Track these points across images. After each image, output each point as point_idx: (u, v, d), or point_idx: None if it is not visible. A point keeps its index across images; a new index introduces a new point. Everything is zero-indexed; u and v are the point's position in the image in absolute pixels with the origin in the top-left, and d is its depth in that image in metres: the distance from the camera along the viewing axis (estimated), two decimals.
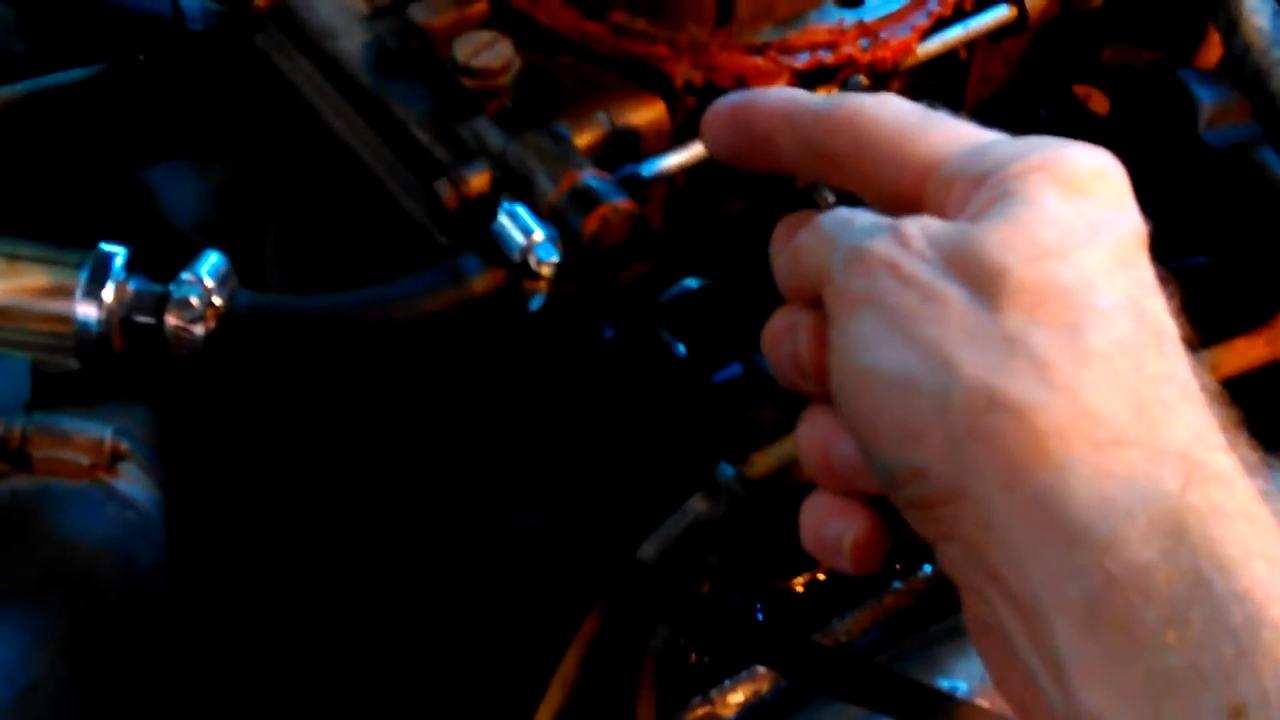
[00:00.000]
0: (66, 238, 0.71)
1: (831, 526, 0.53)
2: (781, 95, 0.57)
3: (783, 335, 0.54)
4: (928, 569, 0.82)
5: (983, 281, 0.46)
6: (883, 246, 0.49)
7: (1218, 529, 0.42)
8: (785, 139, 0.55)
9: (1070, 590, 0.43)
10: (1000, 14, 0.81)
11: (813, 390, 0.54)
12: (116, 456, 0.70)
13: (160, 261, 0.66)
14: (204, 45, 0.95)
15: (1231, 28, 0.78)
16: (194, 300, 0.62)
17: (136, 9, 0.93)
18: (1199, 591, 0.41)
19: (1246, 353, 0.89)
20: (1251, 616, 0.41)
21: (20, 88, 0.96)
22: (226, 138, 0.95)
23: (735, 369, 0.77)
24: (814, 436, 0.53)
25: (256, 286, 0.72)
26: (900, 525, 0.52)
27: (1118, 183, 0.50)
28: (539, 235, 0.64)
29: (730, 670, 0.76)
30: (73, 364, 0.66)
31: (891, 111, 0.53)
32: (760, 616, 0.79)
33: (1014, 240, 0.47)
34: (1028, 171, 0.49)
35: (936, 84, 0.88)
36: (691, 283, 0.76)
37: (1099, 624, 0.42)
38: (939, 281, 0.47)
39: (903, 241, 0.49)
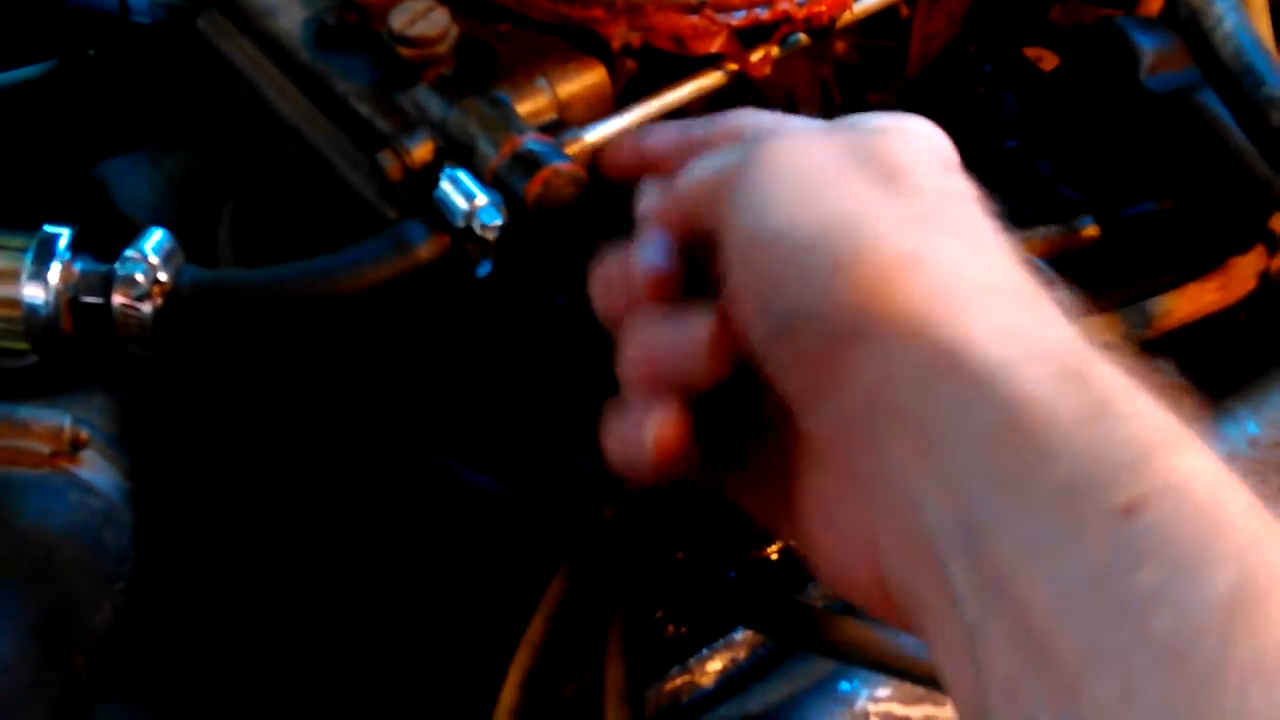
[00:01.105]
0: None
1: (632, 422, 0.54)
2: (673, 127, 0.65)
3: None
4: None
5: (889, 176, 0.51)
6: (800, 134, 0.54)
7: (1111, 371, 0.45)
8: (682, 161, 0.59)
9: (974, 418, 0.44)
10: None
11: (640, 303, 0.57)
12: (77, 444, 0.70)
13: (117, 253, 0.67)
14: (152, 38, 0.96)
15: None
16: (139, 277, 0.63)
17: (84, 5, 0.94)
18: (1098, 411, 0.43)
19: (1199, 298, 0.90)
20: (1145, 435, 0.42)
21: None
22: (179, 129, 0.95)
23: None
24: (642, 337, 0.55)
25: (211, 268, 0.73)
26: (710, 427, 0.54)
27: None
28: (482, 199, 0.65)
29: (708, 639, 0.77)
30: (29, 356, 0.67)
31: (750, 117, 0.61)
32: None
33: (909, 150, 0.53)
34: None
35: (879, 43, 0.89)
36: None
37: (1000, 446, 0.43)
38: (850, 167, 0.52)
39: (816, 134, 0.54)
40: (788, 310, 0.49)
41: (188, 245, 0.88)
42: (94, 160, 0.94)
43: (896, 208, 0.50)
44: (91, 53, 0.97)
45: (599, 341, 0.75)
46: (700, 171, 0.56)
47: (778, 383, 0.51)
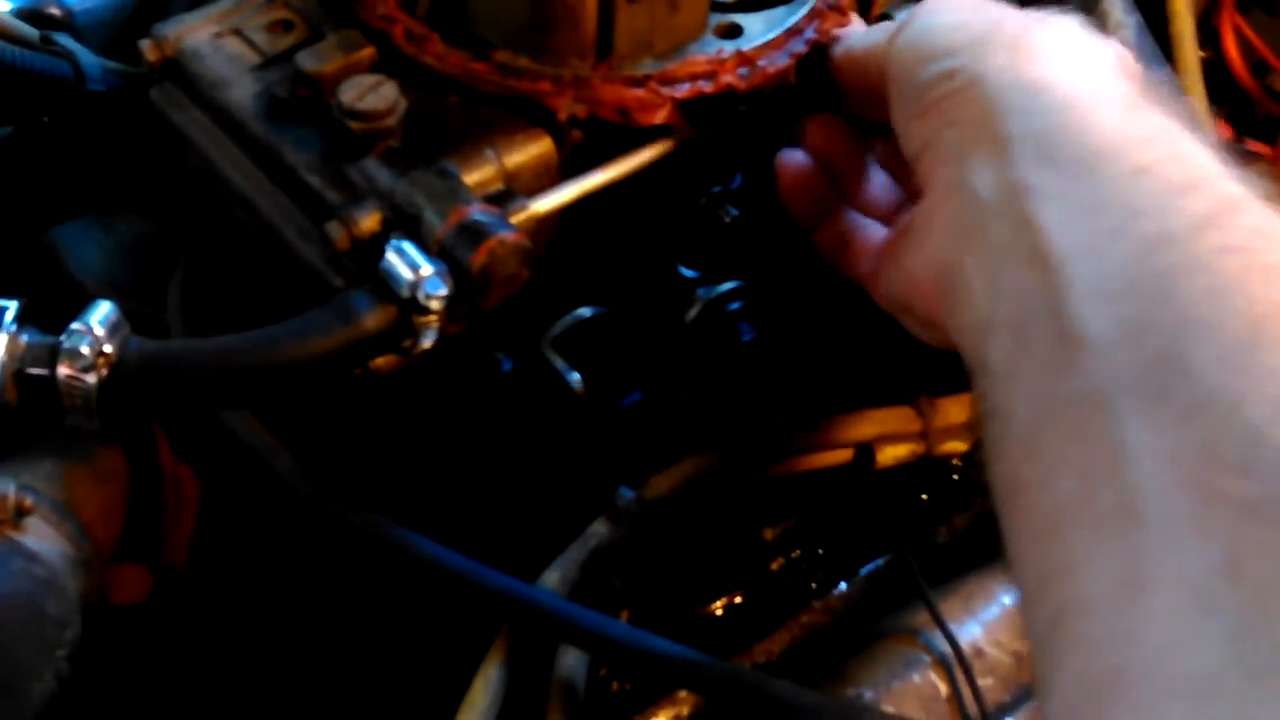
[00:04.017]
0: None
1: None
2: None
3: None
4: (843, 586, 0.84)
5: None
6: None
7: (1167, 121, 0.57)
8: None
9: (1037, 120, 0.57)
10: None
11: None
12: (21, 511, 0.70)
13: (67, 319, 0.67)
14: (106, 105, 0.96)
15: None
16: (84, 350, 0.63)
17: (39, 72, 0.94)
18: (1139, 109, 0.57)
19: None
20: (1168, 126, 0.56)
21: None
22: (132, 194, 0.95)
23: (634, 396, 0.78)
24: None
25: (161, 337, 0.73)
26: None
27: None
28: (426, 270, 0.65)
29: (652, 697, 0.77)
30: None
31: None
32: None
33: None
34: None
35: None
36: (585, 312, 0.77)
37: (1053, 133, 0.56)
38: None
39: None
40: (936, 71, 0.63)
41: (139, 310, 0.89)
42: (47, 225, 0.94)
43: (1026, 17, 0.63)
44: (45, 119, 0.98)
45: (542, 407, 0.76)
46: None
47: (905, 131, 0.66)
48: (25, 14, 1.02)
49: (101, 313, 0.64)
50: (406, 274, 0.66)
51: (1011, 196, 0.56)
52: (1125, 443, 0.47)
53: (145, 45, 0.80)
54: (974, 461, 0.86)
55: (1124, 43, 0.80)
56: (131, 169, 0.95)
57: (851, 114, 0.75)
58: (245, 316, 0.82)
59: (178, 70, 0.80)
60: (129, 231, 0.94)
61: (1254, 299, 0.47)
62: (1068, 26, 0.63)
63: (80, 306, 0.67)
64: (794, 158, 0.75)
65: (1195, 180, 0.52)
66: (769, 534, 0.83)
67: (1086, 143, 0.54)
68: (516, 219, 0.70)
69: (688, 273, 0.77)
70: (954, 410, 0.82)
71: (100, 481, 0.77)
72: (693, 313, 0.76)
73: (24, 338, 0.64)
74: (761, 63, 0.76)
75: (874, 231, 0.75)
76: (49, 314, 0.68)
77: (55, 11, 1.05)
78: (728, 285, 0.76)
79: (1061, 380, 0.50)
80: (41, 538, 0.70)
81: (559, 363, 0.74)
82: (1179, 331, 0.47)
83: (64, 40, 0.98)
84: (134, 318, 0.87)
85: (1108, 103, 0.57)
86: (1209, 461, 0.44)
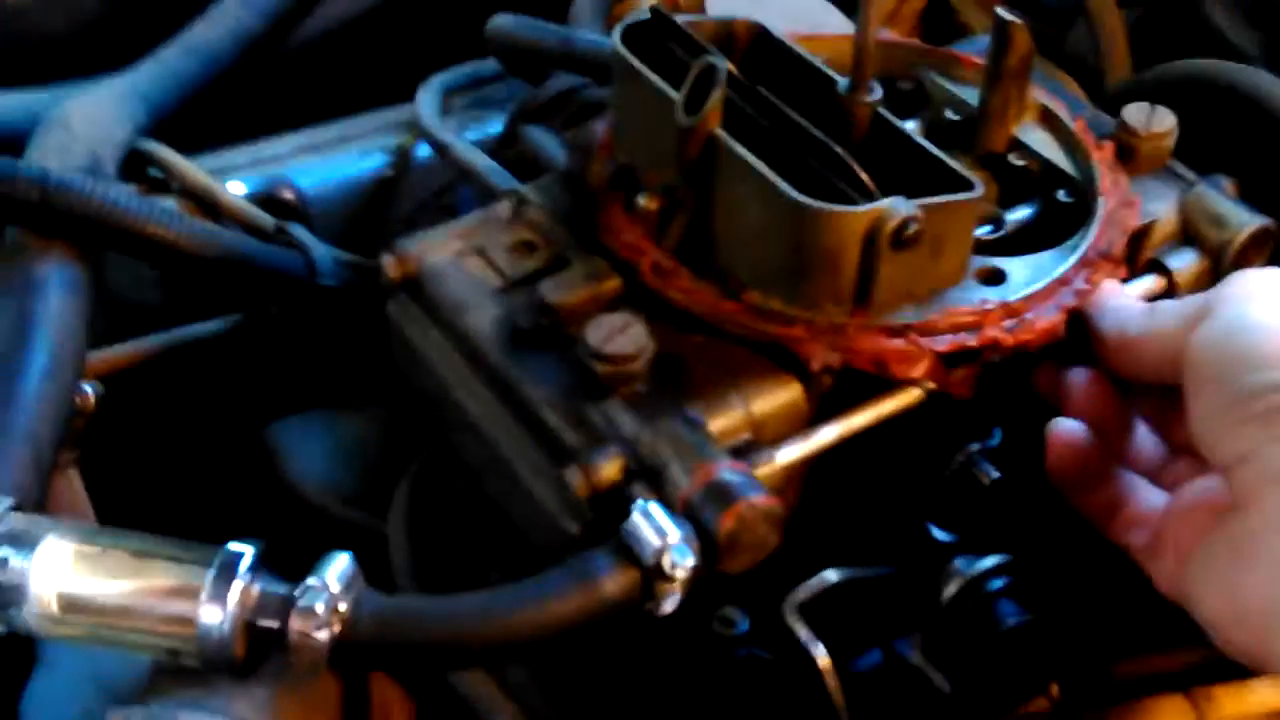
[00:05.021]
0: (195, 503, 0.70)
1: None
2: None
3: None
4: None
5: None
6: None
7: None
8: None
9: None
10: (1147, 284, 0.78)
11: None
12: None
13: (284, 526, 0.66)
14: (336, 300, 0.96)
15: None
16: (319, 607, 0.60)
17: (272, 266, 0.94)
18: None
19: None
20: None
21: (155, 340, 0.97)
22: (357, 392, 0.95)
23: (874, 656, 0.73)
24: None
25: (381, 563, 0.71)
26: None
27: None
28: (674, 536, 0.62)
29: None
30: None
31: None
32: None
33: None
34: None
35: None
36: (831, 575, 0.72)
37: None
38: None
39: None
40: (1249, 382, 0.60)
41: (356, 520, 0.87)
42: (269, 419, 0.94)
43: None
44: (274, 311, 0.98)
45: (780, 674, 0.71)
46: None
47: (1217, 448, 0.62)
48: (260, 199, 1.03)
49: (338, 567, 0.62)
50: (653, 540, 0.62)
51: None
52: None
53: (388, 261, 0.79)
54: None
55: None
56: (358, 366, 0.94)
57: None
58: (470, 542, 0.79)
59: (417, 288, 0.78)
60: (351, 432, 0.93)
61: None
62: None
63: (297, 510, 0.65)
64: (1066, 427, 0.70)
65: None
66: None
67: None
68: (763, 472, 0.66)
69: (942, 536, 0.72)
70: (1231, 703, 0.75)
71: (311, 711, 0.74)
72: (950, 590, 0.70)
73: (258, 586, 0.62)
74: (1029, 316, 0.71)
75: (1146, 495, 0.70)
76: (265, 513, 0.66)
77: (289, 195, 1.06)
78: (989, 561, 0.71)
79: None
80: None
81: (802, 631, 0.70)
82: None
83: (298, 231, 0.98)
84: (351, 528, 0.86)
85: None
86: None
